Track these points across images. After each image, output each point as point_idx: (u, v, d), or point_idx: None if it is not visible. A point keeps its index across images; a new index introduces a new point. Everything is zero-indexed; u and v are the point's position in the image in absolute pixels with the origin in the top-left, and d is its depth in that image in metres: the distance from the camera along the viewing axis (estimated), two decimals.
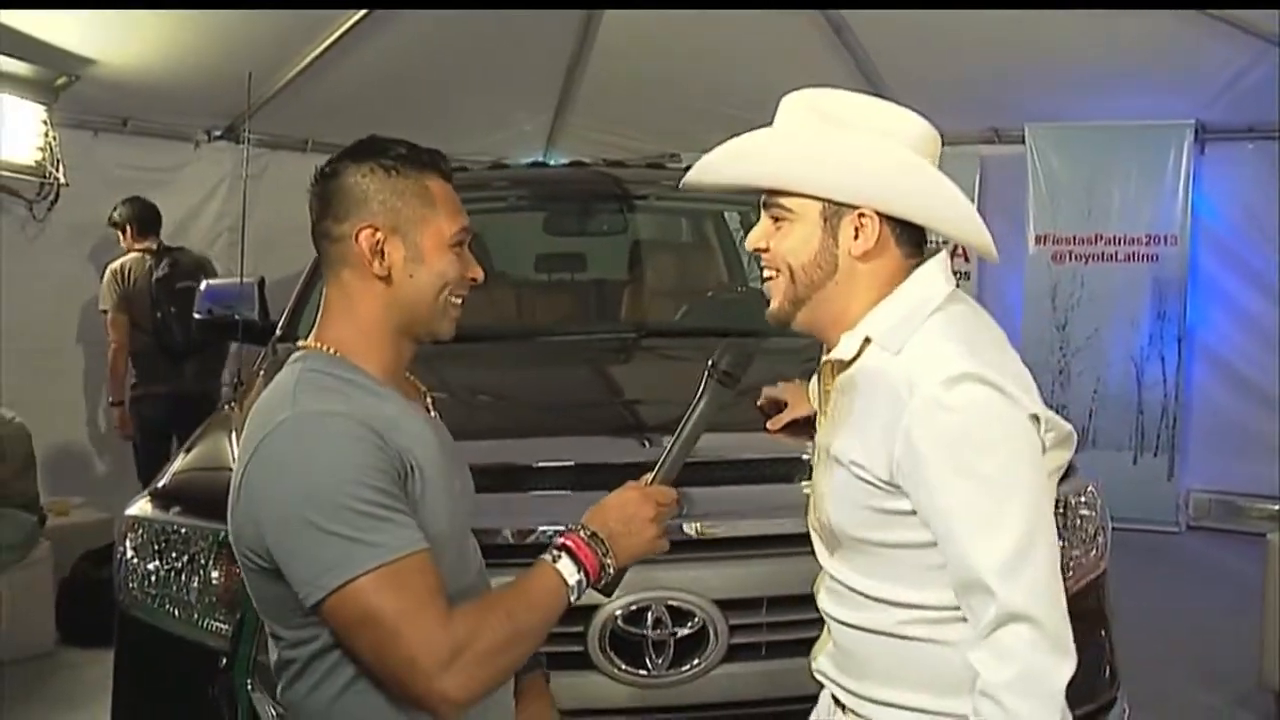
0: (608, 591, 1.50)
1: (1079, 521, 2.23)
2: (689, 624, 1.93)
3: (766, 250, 1.47)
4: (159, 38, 5.05)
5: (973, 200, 5.93)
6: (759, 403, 2.21)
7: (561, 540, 1.45)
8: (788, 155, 1.43)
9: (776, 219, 1.46)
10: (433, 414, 1.58)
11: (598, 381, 2.84)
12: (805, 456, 2.17)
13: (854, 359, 1.43)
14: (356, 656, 1.35)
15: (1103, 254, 6.09)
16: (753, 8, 5.76)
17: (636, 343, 3.07)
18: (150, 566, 2.10)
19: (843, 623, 1.50)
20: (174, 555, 2.09)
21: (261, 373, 2.76)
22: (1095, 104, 5.94)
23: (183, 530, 2.10)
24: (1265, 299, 5.82)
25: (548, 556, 1.43)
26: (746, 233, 4.75)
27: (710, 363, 1.56)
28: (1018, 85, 5.93)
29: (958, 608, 1.38)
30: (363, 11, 5.54)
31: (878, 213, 1.41)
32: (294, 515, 1.30)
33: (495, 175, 4.30)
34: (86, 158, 5.29)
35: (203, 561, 2.06)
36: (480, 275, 1.53)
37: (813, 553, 1.57)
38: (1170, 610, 4.54)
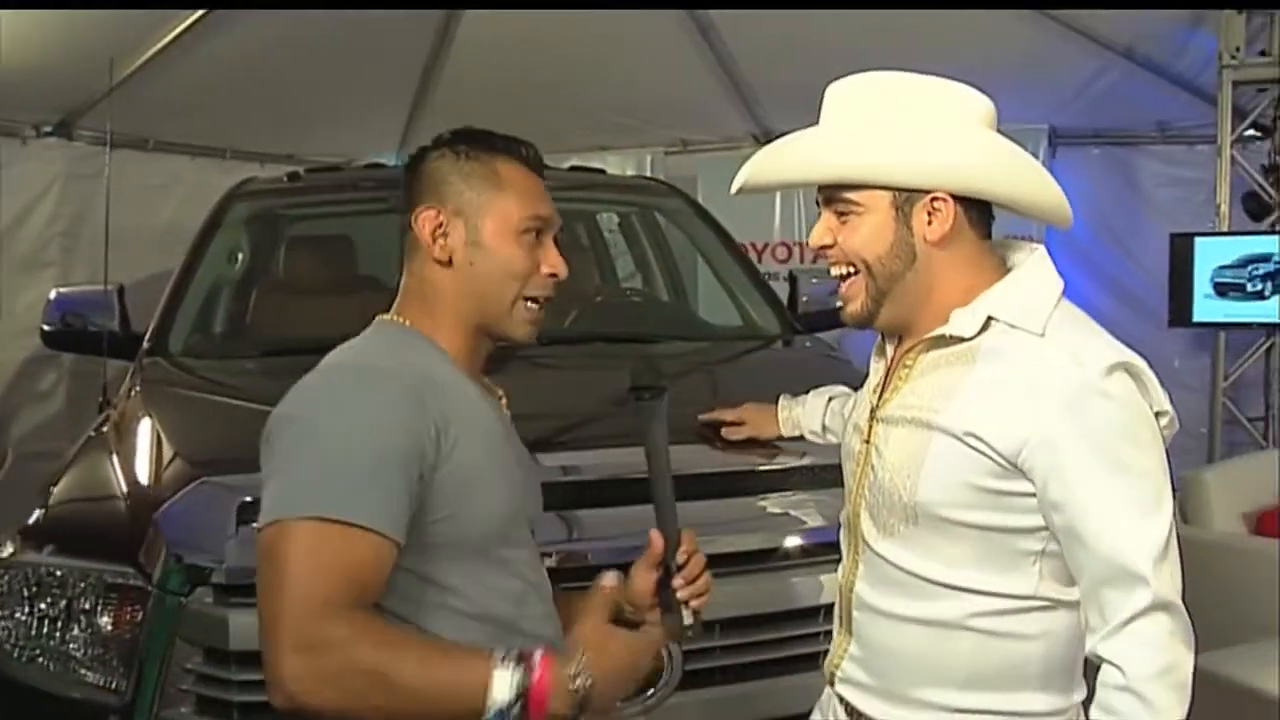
0: None
1: None
2: (652, 690, 1.80)
3: (833, 246, 1.41)
4: None
5: None
6: (726, 423, 2.12)
7: (538, 654, 1.23)
8: (850, 146, 1.37)
9: (841, 214, 1.39)
10: (502, 400, 1.50)
11: None
12: (762, 468, 2.08)
13: (972, 336, 1.37)
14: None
15: None
16: (617, 8, 5.67)
17: (511, 352, 2.91)
18: (19, 616, 1.84)
19: (894, 615, 1.41)
20: (49, 601, 1.83)
21: (135, 389, 2.49)
22: None
23: (59, 572, 1.85)
24: (1116, 301, 6.02)
25: (499, 653, 1.21)
26: (625, 236, 4.76)
27: (629, 387, 1.47)
28: None
29: (1042, 598, 1.35)
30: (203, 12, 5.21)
31: (951, 195, 1.36)
32: (293, 435, 1.28)
33: (367, 175, 4.09)
34: None
35: (86, 607, 1.81)
36: (561, 269, 1.46)
37: (798, 562, 1.49)
38: None
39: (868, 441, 1.46)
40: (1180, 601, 1.29)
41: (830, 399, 1.99)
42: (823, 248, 1.42)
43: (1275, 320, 5.17)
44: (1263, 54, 5.27)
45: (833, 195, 1.39)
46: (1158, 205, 5.96)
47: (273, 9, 5.21)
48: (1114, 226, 6.03)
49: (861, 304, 1.41)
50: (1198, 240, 5.28)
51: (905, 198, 1.37)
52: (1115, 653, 1.27)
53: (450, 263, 1.41)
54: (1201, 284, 5.25)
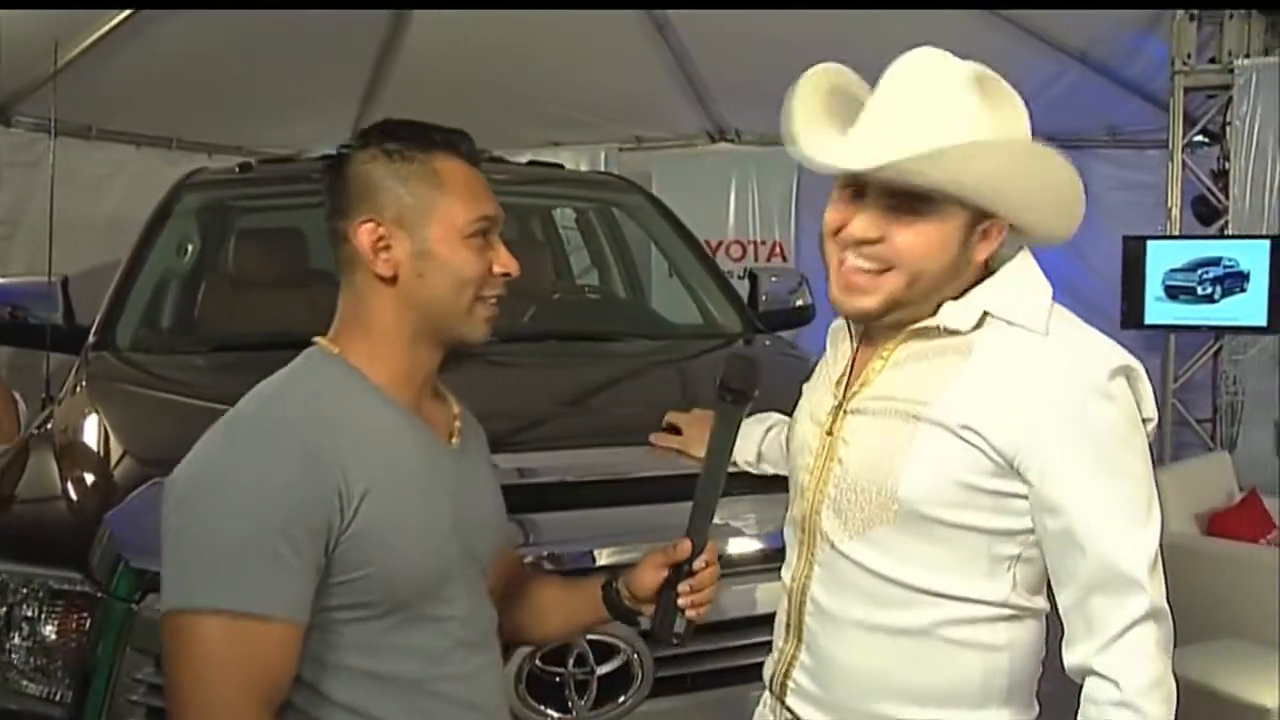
0: None
1: None
2: (612, 660, 1.75)
3: (880, 242, 1.28)
4: None
5: (790, 203, 5.97)
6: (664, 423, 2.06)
7: None
8: (978, 167, 1.23)
9: (905, 211, 1.27)
10: (453, 440, 1.39)
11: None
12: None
13: (967, 331, 1.31)
14: None
15: None
16: (572, 7, 5.62)
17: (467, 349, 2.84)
18: None
19: (856, 623, 1.33)
20: None
21: (81, 385, 2.40)
22: None
23: (1, 578, 1.76)
24: (1068, 302, 5.96)
25: None
26: (581, 232, 4.71)
27: (719, 382, 1.38)
28: None
29: (1013, 606, 1.31)
30: None
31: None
32: (190, 509, 1.20)
33: (319, 167, 3.98)
34: None
35: (28, 614, 1.72)
36: (514, 268, 1.35)
37: (749, 569, 1.50)
38: None
39: (830, 434, 1.38)
40: (1166, 608, 1.26)
41: (769, 428, 1.81)
42: (867, 240, 1.28)
43: (1224, 323, 5.24)
44: (1212, 61, 5.35)
45: (904, 191, 1.25)
46: (1109, 208, 6.01)
47: (219, 9, 5.09)
48: None
49: (878, 303, 1.31)
50: (1150, 243, 5.34)
51: (977, 217, 1.28)
52: (1109, 666, 1.23)
53: (395, 278, 1.29)
54: (1153, 287, 5.31)
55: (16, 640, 1.73)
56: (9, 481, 2.02)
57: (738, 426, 1.41)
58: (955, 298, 1.32)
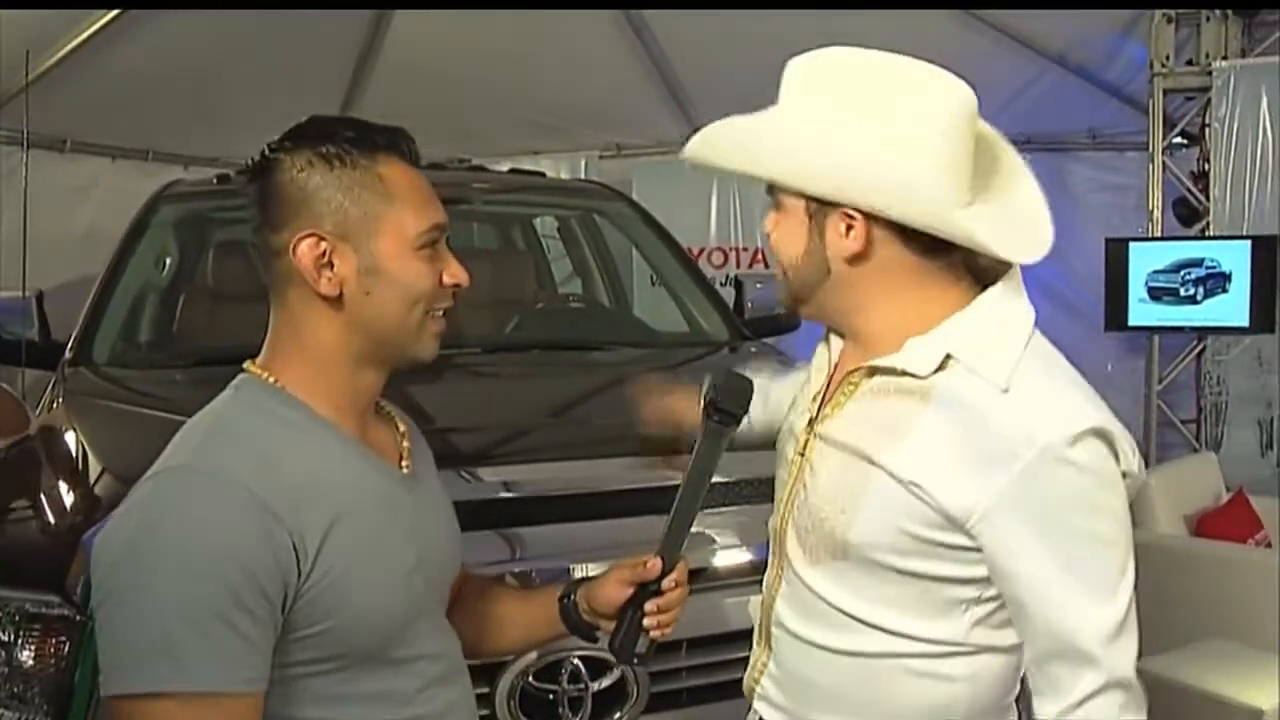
0: None
1: None
2: (606, 675, 1.72)
3: (769, 238, 1.34)
4: None
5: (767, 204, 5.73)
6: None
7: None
8: (768, 139, 1.26)
9: (777, 207, 1.31)
10: (405, 465, 1.28)
11: (406, 407, 2.50)
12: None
13: (925, 375, 1.23)
14: None
15: None
16: (549, 8, 5.59)
17: (449, 360, 2.80)
18: None
19: (813, 644, 1.31)
20: None
21: (58, 401, 2.35)
22: None
23: None
24: (1050, 304, 6.09)
25: None
26: (564, 240, 4.68)
27: (706, 399, 1.32)
28: None
29: (971, 644, 1.25)
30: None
31: (862, 212, 1.22)
32: (122, 584, 1.07)
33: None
34: None
35: (4, 639, 1.67)
36: (464, 278, 1.24)
37: (752, 577, 1.43)
38: None
39: (802, 454, 1.34)
40: (1134, 675, 1.19)
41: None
42: (768, 234, 1.34)
43: (1207, 324, 5.25)
44: (1190, 63, 5.37)
45: (770, 188, 1.31)
46: (1089, 210, 6.03)
47: (197, 9, 5.04)
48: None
49: (789, 299, 1.35)
50: (1132, 245, 5.35)
51: (818, 207, 1.25)
52: None
53: (340, 297, 1.17)
54: (1136, 288, 5.31)
55: None
56: None
57: (722, 448, 1.34)
58: (923, 330, 1.24)
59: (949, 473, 1.19)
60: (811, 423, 1.34)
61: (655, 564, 1.33)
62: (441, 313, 1.24)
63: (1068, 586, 1.16)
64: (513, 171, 4.24)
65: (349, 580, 1.14)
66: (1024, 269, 4.73)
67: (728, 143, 1.31)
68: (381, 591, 1.18)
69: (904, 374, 1.25)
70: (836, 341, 1.39)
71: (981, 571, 1.22)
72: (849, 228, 1.23)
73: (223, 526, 1.07)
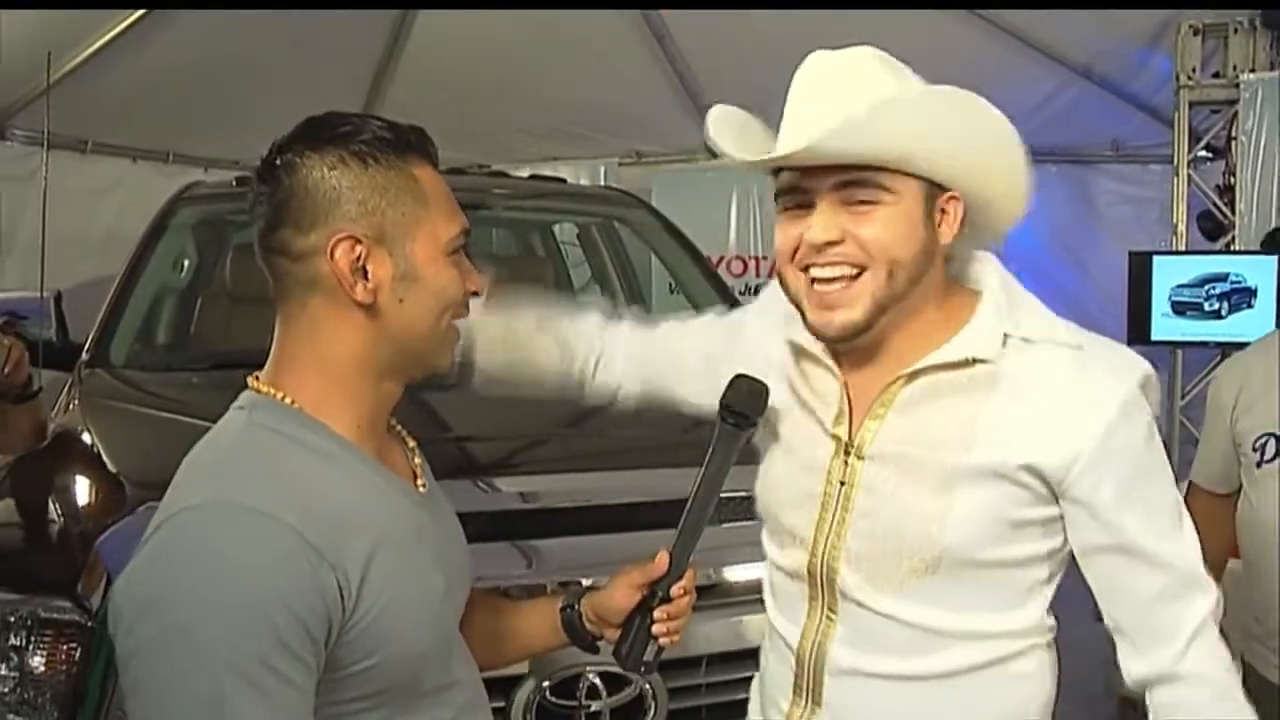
0: None
1: None
2: (625, 691, 1.69)
3: (840, 243, 1.20)
4: None
5: None
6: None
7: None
8: (900, 126, 1.15)
9: (861, 202, 1.19)
10: (420, 484, 1.23)
11: (427, 414, 2.43)
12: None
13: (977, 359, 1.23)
14: None
15: None
16: (569, 8, 5.59)
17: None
18: None
19: (889, 676, 1.26)
20: None
21: (74, 403, 2.33)
22: None
23: None
24: (1072, 316, 5.98)
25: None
26: (583, 247, 4.66)
27: (722, 402, 1.27)
28: None
29: (1038, 631, 1.28)
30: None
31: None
32: (157, 635, 0.98)
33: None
34: None
35: (16, 644, 1.66)
36: (481, 287, 1.20)
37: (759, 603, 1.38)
38: None
39: (844, 483, 1.27)
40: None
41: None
42: (829, 243, 1.19)
43: (1231, 339, 5.19)
44: (1217, 75, 5.32)
45: (855, 180, 1.18)
46: (1112, 223, 6.00)
47: (219, 9, 5.05)
48: (1069, 243, 6.07)
49: (865, 310, 1.21)
50: (1155, 259, 5.30)
51: (932, 192, 1.20)
52: (1193, 667, 1.21)
53: (372, 305, 1.11)
54: (1159, 302, 5.26)
55: (3, 671, 1.67)
56: (5, 505, 1.95)
57: (736, 452, 1.30)
58: (945, 324, 1.25)
59: (1046, 440, 1.20)
60: (846, 447, 1.28)
61: (663, 558, 1.29)
62: (458, 321, 1.20)
63: (1163, 521, 1.21)
64: (532, 177, 4.22)
65: (391, 613, 1.08)
66: (1046, 283, 4.70)
67: (861, 129, 1.15)
68: (420, 622, 1.12)
69: (961, 365, 1.23)
70: (819, 362, 1.32)
71: (1059, 541, 1.24)
72: (943, 213, 1.22)
73: (267, 568, 1.00)
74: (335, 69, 6.19)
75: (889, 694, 1.26)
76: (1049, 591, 1.28)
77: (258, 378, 1.15)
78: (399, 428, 1.26)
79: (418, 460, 1.25)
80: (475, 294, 1.20)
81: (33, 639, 1.64)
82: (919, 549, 1.23)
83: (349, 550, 1.05)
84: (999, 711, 1.27)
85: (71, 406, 2.33)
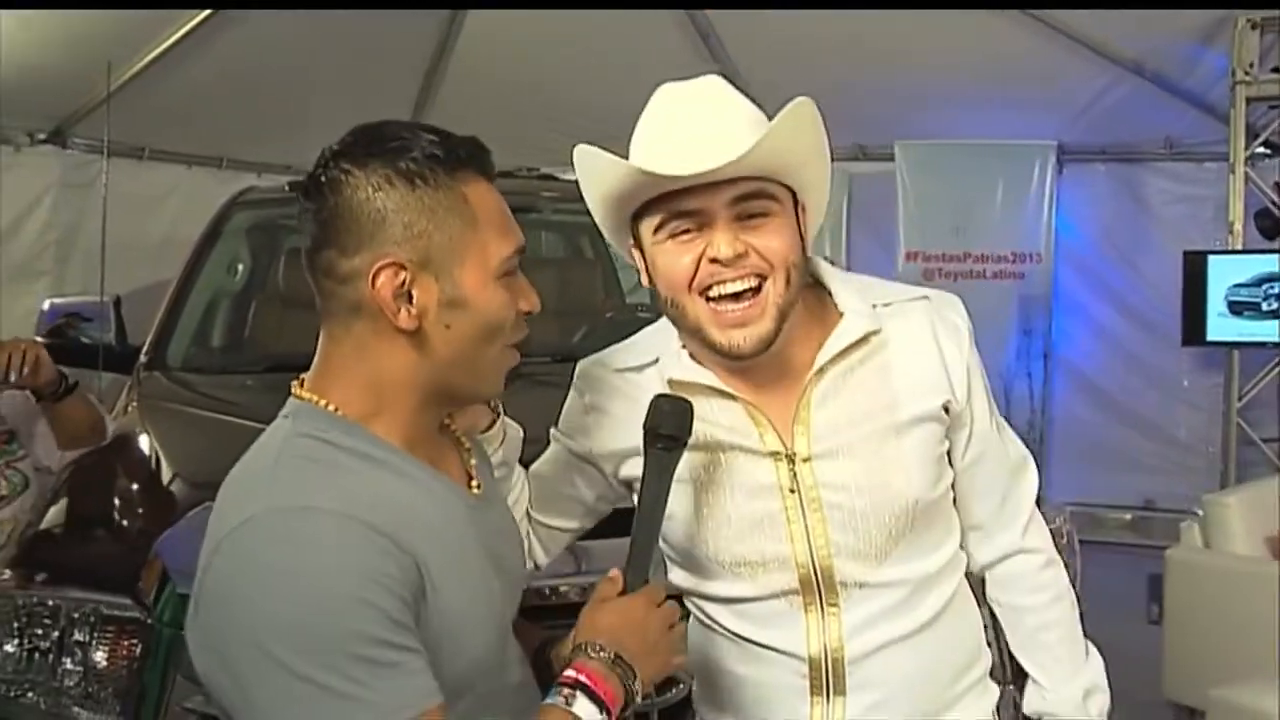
0: None
1: None
2: (672, 690, 1.69)
3: (745, 255, 1.25)
4: None
5: (842, 220, 5.95)
6: None
7: (573, 674, 1.11)
8: (783, 139, 1.23)
9: (751, 216, 1.26)
10: (475, 486, 1.20)
11: None
12: None
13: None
14: None
15: (970, 271, 6.16)
16: (617, 7, 5.61)
17: (516, 370, 2.79)
18: (8, 649, 1.73)
19: (904, 637, 1.35)
20: (40, 633, 1.72)
21: (133, 405, 2.39)
22: (962, 122, 6.01)
23: (50, 603, 1.74)
24: (1122, 316, 5.99)
25: (559, 699, 1.09)
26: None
27: (645, 428, 1.25)
28: (886, 101, 5.95)
29: (961, 547, 1.44)
30: (206, 12, 5.12)
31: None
32: (259, 654, 0.95)
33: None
34: None
35: (79, 639, 1.71)
36: (537, 305, 1.15)
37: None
38: None
39: (794, 490, 1.31)
40: None
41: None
42: (736, 258, 1.24)
43: None
44: (1275, 70, 5.22)
45: (751, 192, 1.24)
46: (1165, 222, 5.92)
47: (270, 9, 5.12)
48: (1120, 243, 6.01)
49: (773, 319, 1.27)
50: (1211, 258, 5.22)
51: (793, 199, 1.31)
52: (1033, 542, 1.44)
53: (417, 331, 1.07)
54: (1215, 302, 5.18)
55: (69, 665, 1.72)
56: (62, 505, 2.00)
57: (672, 473, 1.28)
58: (815, 318, 1.36)
59: (944, 379, 1.35)
60: (789, 458, 1.31)
61: (616, 574, 1.23)
62: (515, 346, 1.16)
63: (999, 416, 1.43)
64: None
65: (449, 615, 1.06)
66: (1097, 283, 4.71)
67: (731, 149, 1.21)
68: (478, 624, 1.10)
69: (859, 343, 1.33)
70: (710, 399, 1.33)
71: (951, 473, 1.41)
72: (802, 214, 1.32)
73: (353, 553, 0.98)
74: (387, 71, 6.26)
75: (903, 653, 1.35)
76: (955, 516, 1.44)
77: (302, 382, 1.13)
78: (453, 428, 1.24)
79: (473, 461, 1.23)
80: (529, 313, 1.16)
81: (95, 635, 1.69)
82: (896, 510, 1.33)
83: (416, 546, 1.03)
84: (970, 632, 1.44)
85: (130, 408, 2.39)
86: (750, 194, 1.24)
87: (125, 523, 1.90)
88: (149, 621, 1.65)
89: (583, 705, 1.09)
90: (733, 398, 1.33)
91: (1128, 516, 6.05)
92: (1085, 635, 1.51)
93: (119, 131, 5.47)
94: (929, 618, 1.36)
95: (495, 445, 1.34)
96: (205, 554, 1.03)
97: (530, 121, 6.58)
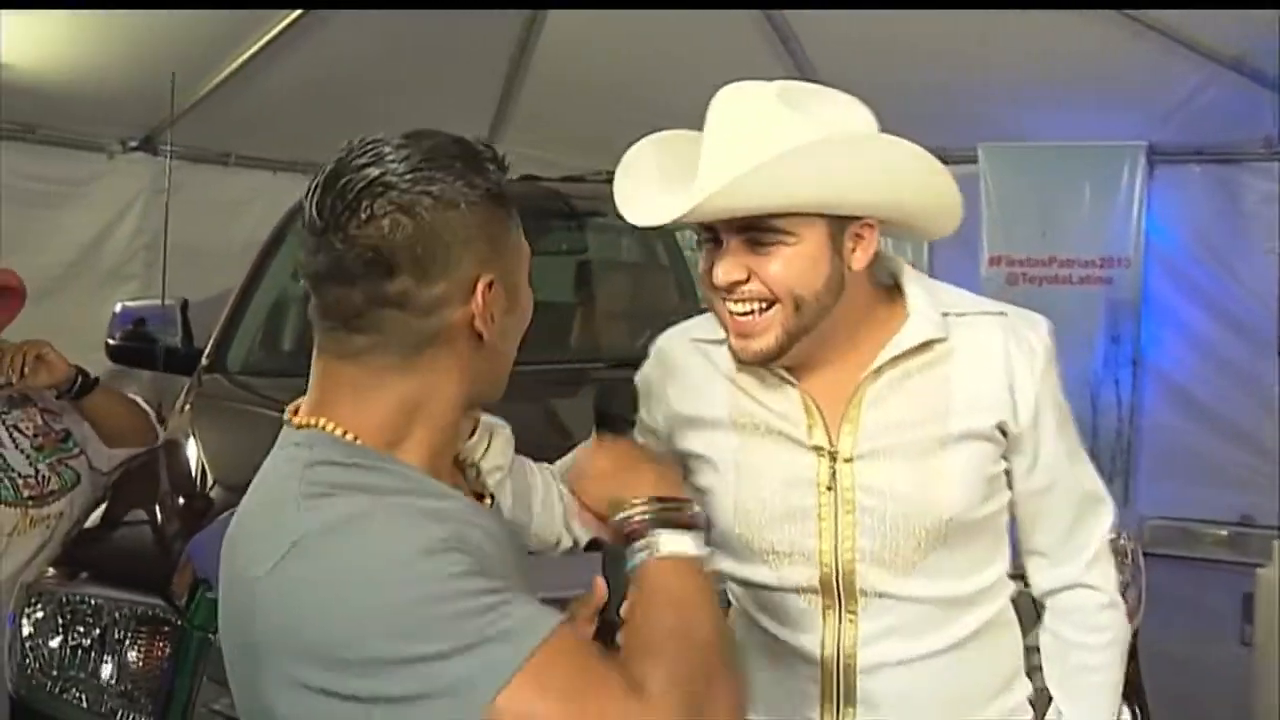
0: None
1: None
2: None
3: (746, 281, 1.25)
4: (71, 39, 4.70)
5: None
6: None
7: (630, 528, 1.09)
8: (784, 168, 1.19)
9: (761, 244, 1.24)
10: (487, 500, 1.21)
11: (548, 423, 2.48)
12: None
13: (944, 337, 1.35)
14: None
15: (1056, 276, 6.00)
16: (696, 8, 5.58)
17: (586, 375, 2.79)
18: (53, 644, 1.78)
19: (923, 656, 1.33)
20: (81, 631, 1.77)
21: (187, 406, 2.44)
22: (1047, 123, 5.86)
23: (94, 602, 1.78)
24: (1217, 323, 5.77)
25: (641, 553, 1.07)
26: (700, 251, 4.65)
27: (596, 410, 1.26)
28: (969, 102, 5.83)
29: (1008, 572, 1.42)
30: (289, 19, 5.24)
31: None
32: (368, 663, 0.90)
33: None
34: None
35: (119, 638, 1.75)
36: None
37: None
38: (1145, 641, 4.44)
39: (830, 488, 1.32)
40: None
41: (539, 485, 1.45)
42: (733, 284, 1.24)
43: None
44: None
45: (754, 224, 1.23)
46: (1262, 224, 5.68)
47: (352, 9, 5.21)
48: (1216, 247, 5.79)
49: (776, 339, 1.27)
50: None
51: (839, 225, 1.26)
52: (1094, 577, 1.41)
53: (488, 341, 1.05)
54: None
55: (109, 664, 1.76)
56: (110, 504, 2.05)
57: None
58: (884, 326, 1.34)
59: (1006, 398, 1.33)
60: (831, 454, 1.32)
61: (601, 585, 1.18)
62: None
63: (1079, 450, 1.41)
64: None
65: None
66: (1190, 288, 4.57)
67: (746, 187, 1.19)
68: None
69: (922, 349, 1.32)
70: (772, 381, 1.35)
71: (1008, 494, 1.38)
72: (858, 238, 1.28)
73: (418, 531, 0.95)
74: (467, 74, 6.32)
75: (919, 674, 1.32)
76: (1004, 549, 1.42)
77: (296, 410, 1.07)
78: (460, 455, 1.22)
79: (476, 476, 1.24)
80: None
81: (130, 634, 1.73)
82: (929, 523, 1.30)
83: (473, 550, 0.99)
84: (1006, 659, 1.41)
85: (183, 411, 2.44)
86: (756, 226, 1.23)
87: (161, 522, 1.94)
88: (180, 623, 1.67)
89: (668, 539, 1.08)
90: (792, 385, 1.34)
91: (1224, 533, 5.83)
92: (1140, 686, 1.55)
93: (205, 138, 5.64)
94: (954, 641, 1.34)
95: (480, 451, 1.31)
96: (239, 602, 0.98)
97: (608, 123, 6.56)
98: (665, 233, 4.49)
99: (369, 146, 1.01)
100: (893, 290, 1.37)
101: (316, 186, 1.02)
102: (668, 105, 6.30)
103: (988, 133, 6.06)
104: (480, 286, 1.01)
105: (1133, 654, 1.94)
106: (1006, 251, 6.06)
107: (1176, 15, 5.08)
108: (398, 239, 0.98)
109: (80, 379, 2.15)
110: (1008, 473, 1.36)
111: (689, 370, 1.41)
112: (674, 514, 1.10)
